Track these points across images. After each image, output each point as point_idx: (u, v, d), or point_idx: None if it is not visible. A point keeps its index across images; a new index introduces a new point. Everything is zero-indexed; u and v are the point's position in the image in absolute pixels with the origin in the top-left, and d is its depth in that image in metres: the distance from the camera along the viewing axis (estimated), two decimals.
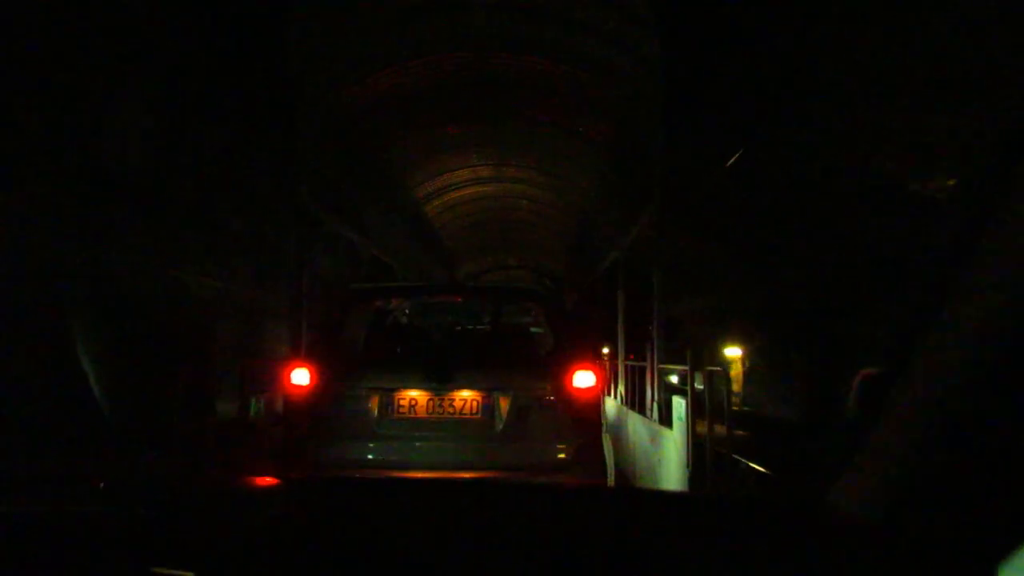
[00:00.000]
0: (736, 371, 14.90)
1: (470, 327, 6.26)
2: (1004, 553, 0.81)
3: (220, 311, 7.93)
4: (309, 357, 4.94)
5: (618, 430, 10.66)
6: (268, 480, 2.27)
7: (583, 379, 4.49)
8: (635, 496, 2.77)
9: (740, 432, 7.56)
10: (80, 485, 1.70)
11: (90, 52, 5.30)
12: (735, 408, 10.81)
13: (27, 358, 4.82)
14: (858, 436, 1.12)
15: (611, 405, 12.15)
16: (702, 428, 6.33)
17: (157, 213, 6.50)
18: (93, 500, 1.55)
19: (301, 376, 4.64)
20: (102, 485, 1.66)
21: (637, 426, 9.50)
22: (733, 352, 16.00)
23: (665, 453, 7.37)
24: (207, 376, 7.58)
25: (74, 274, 5.42)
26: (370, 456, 4.48)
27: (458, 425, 4.47)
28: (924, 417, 1.00)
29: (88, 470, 4.73)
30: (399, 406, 4.52)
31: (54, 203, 5.20)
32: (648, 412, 9.31)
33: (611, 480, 4.85)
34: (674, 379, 9.22)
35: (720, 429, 6.16)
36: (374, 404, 4.52)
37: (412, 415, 4.50)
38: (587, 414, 4.48)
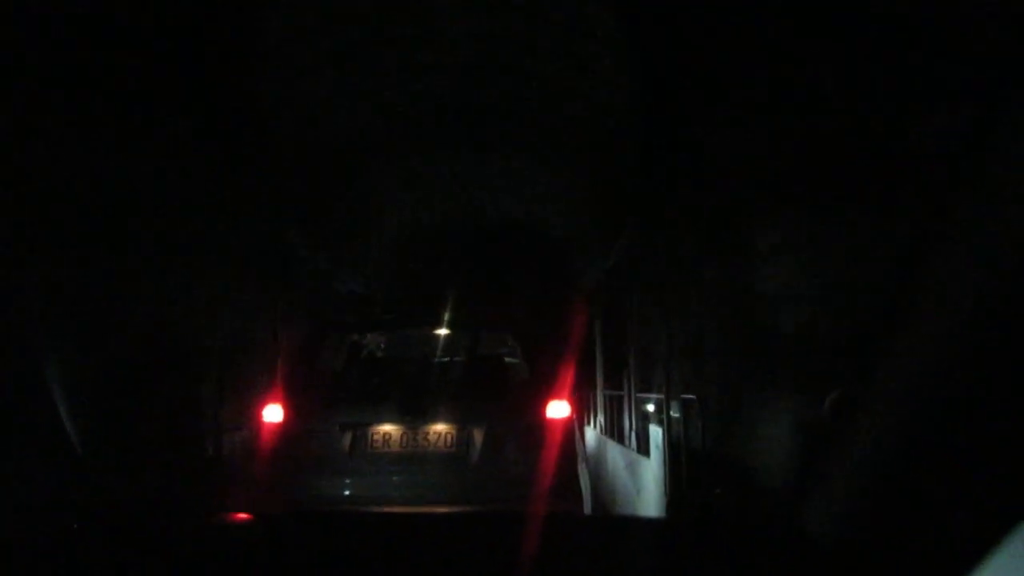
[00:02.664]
0: None
1: (445, 359, 6.24)
2: (968, 566, 0.83)
3: (198, 345, 7.85)
4: (282, 392, 4.90)
5: (598, 459, 10.63)
6: (242, 516, 2.24)
7: (557, 409, 4.49)
8: (611, 523, 2.77)
9: None
10: (55, 524, 1.67)
11: (55, 77, 5.27)
12: None
13: None
14: (824, 459, 1.14)
15: (590, 435, 12.13)
16: None
17: (129, 242, 6.44)
18: (69, 539, 1.52)
19: (273, 412, 4.60)
20: (76, 526, 1.64)
21: (615, 455, 9.48)
22: None
23: (643, 482, 7.36)
24: (193, 413, 7.49)
25: (46, 305, 5.34)
26: (346, 492, 4.43)
27: (433, 459, 4.44)
28: (884, 435, 1.02)
29: (62, 508, 4.63)
30: (373, 441, 4.48)
31: (24, 233, 5.14)
32: (626, 441, 9.31)
33: (588, 510, 4.83)
34: (650, 408, 9.22)
35: None
36: (347, 439, 4.48)
37: (386, 449, 4.46)
38: (562, 445, 4.47)
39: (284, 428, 4.55)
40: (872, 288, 3.14)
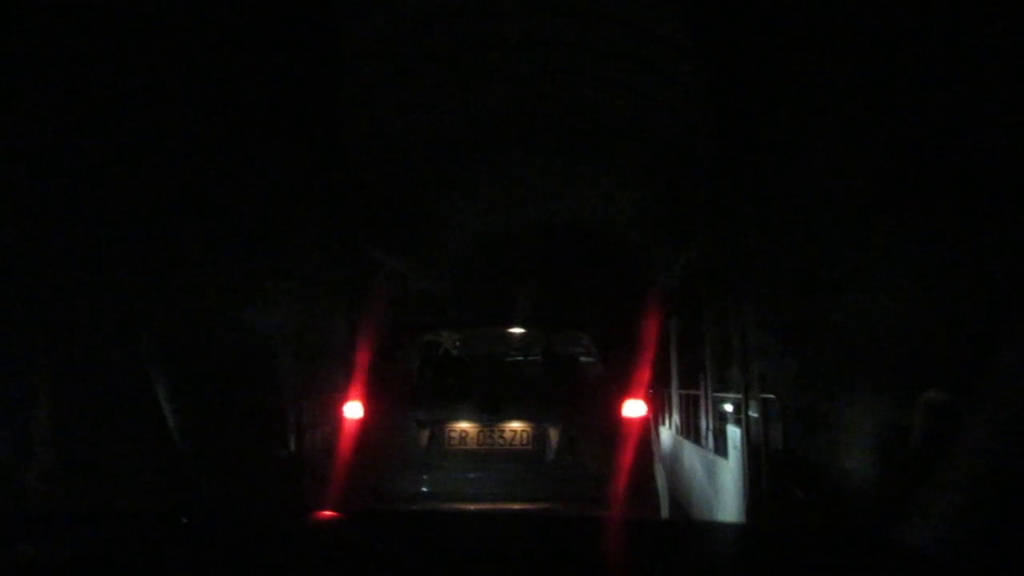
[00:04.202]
0: None
1: (520, 358, 6.25)
2: None
3: (281, 348, 8.09)
4: (362, 391, 5.00)
5: (673, 460, 10.49)
6: (327, 513, 2.29)
7: (633, 408, 4.44)
8: (690, 528, 2.72)
9: None
10: (163, 521, 1.74)
11: (134, 80, 5.44)
12: None
13: (111, 401, 4.97)
14: (923, 465, 1.08)
15: (665, 435, 11.97)
16: None
17: (217, 251, 6.68)
18: (175, 535, 1.60)
19: (354, 409, 4.68)
20: (184, 520, 1.71)
21: (692, 456, 9.33)
22: None
23: (721, 484, 7.22)
24: (277, 412, 7.75)
25: (148, 312, 5.58)
26: (424, 488, 4.48)
27: (509, 456, 4.45)
28: (995, 447, 0.96)
29: (169, 506, 4.84)
30: (450, 438, 4.52)
31: (125, 248, 5.37)
32: (703, 442, 9.15)
33: (665, 511, 4.76)
34: (727, 407, 9.05)
35: None
36: (425, 436, 4.54)
37: (463, 447, 4.50)
38: (638, 444, 4.42)
39: (364, 425, 4.63)
40: (967, 291, 3.00)
